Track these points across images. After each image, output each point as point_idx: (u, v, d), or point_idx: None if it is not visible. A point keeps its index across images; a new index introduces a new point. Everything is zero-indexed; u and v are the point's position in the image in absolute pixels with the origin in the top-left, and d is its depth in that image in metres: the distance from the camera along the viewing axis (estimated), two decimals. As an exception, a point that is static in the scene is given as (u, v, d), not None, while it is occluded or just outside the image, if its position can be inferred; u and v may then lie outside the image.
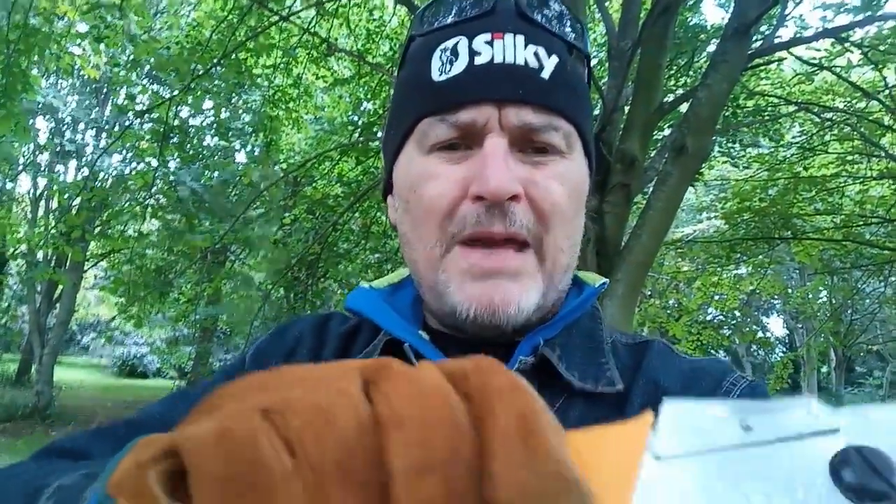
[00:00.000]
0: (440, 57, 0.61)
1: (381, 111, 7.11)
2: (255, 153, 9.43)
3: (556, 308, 0.66)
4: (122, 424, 0.65)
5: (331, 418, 0.23)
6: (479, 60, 0.59)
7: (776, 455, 0.25)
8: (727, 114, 6.78)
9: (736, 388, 0.61)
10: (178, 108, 6.89)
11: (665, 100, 4.33)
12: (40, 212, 13.97)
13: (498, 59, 0.59)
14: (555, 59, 0.61)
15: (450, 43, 0.61)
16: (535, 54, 0.60)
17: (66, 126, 12.78)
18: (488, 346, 0.60)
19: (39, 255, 12.60)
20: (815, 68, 6.75)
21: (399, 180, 0.66)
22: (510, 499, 0.22)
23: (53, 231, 7.83)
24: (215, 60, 6.05)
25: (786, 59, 6.67)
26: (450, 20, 0.62)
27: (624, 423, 0.28)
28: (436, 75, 0.61)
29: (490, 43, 0.59)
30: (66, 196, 10.04)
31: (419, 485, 0.22)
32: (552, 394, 0.60)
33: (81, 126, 12.96)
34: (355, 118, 8.84)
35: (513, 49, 0.59)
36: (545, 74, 0.60)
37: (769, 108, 7.41)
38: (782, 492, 0.25)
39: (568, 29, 0.65)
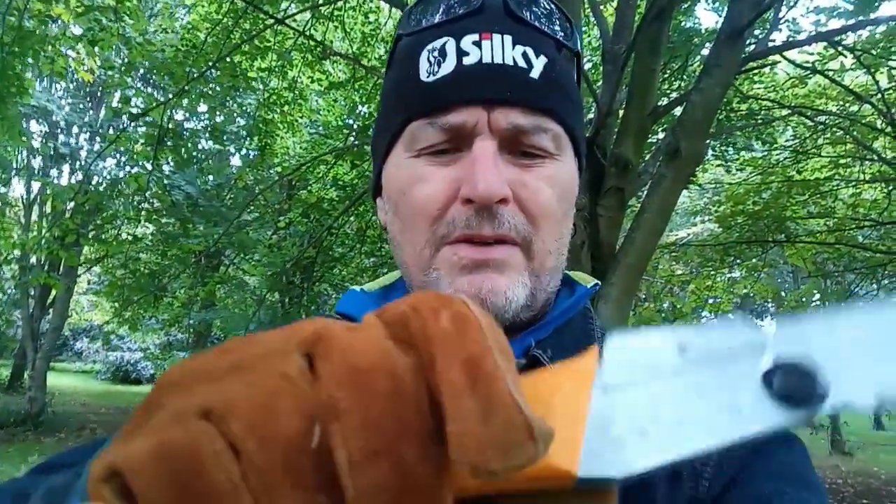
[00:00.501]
0: (428, 58, 0.60)
1: (375, 115, 7.11)
2: (250, 157, 9.41)
3: (546, 309, 0.66)
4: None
5: (273, 416, 0.22)
6: (467, 61, 0.59)
7: (711, 373, 0.27)
8: (721, 117, 6.81)
9: None
10: (173, 111, 6.87)
11: (659, 104, 4.34)
12: (34, 216, 13.92)
13: (486, 60, 0.58)
14: (543, 59, 0.60)
15: (437, 43, 0.60)
16: (524, 54, 0.59)
17: (59, 130, 12.73)
18: None
19: (33, 259, 12.53)
20: (808, 72, 6.80)
21: (388, 182, 0.66)
22: (470, 460, 0.21)
23: (48, 235, 7.79)
24: (210, 63, 6.04)
25: (779, 62, 6.72)
26: (437, 19, 0.62)
27: (572, 359, 0.29)
28: (424, 76, 0.60)
29: (478, 43, 0.59)
30: (60, 200, 9.99)
31: (366, 474, 0.21)
32: None
33: (75, 129, 12.92)
34: (350, 121, 8.84)
35: (501, 49, 0.59)
36: (534, 74, 0.59)
37: (762, 112, 7.45)
38: (720, 407, 0.26)
39: (557, 27, 0.64)
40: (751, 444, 0.53)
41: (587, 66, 7.27)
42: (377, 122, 0.70)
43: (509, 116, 0.58)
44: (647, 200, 3.63)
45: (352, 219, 7.57)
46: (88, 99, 12.80)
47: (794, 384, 0.26)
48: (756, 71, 6.88)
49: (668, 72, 6.95)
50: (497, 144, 0.58)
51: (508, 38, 0.59)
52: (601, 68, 5.20)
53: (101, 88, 11.49)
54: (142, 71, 8.22)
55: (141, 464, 0.21)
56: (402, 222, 0.62)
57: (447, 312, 0.24)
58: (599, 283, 0.72)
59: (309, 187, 8.57)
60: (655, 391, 0.27)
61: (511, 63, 0.59)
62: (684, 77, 6.99)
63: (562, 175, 0.62)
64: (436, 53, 0.60)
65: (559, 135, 0.61)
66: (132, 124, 6.94)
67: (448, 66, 0.59)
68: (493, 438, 0.21)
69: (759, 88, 7.79)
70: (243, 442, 0.22)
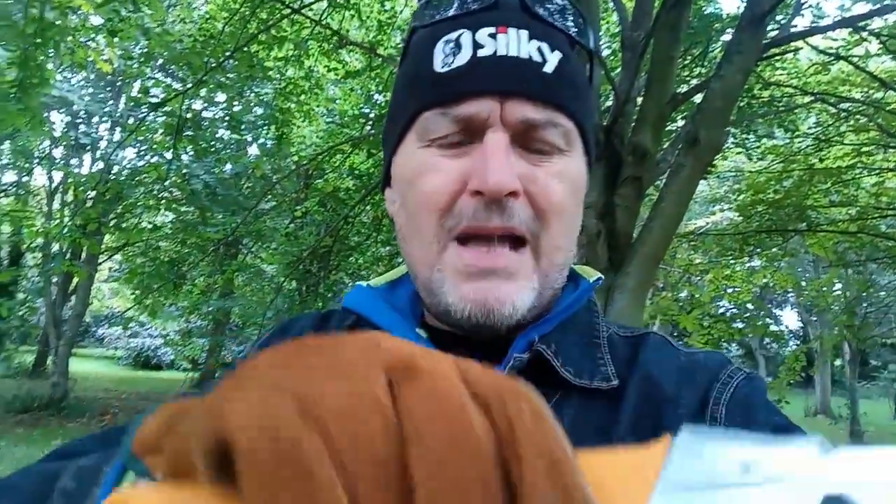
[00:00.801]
0: (443, 49, 0.61)
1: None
2: (267, 146, 9.45)
3: (550, 304, 0.65)
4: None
5: (363, 423, 0.23)
6: (482, 53, 0.59)
7: (771, 496, 0.26)
8: (742, 104, 6.71)
9: (733, 380, 0.61)
10: (191, 101, 6.91)
11: (678, 91, 4.29)
12: (56, 205, 14.12)
13: (501, 52, 0.59)
14: (558, 55, 0.61)
15: (453, 35, 0.60)
16: (539, 49, 0.60)
17: (80, 120, 12.87)
18: (484, 344, 0.61)
19: (55, 247, 12.73)
20: (832, 58, 6.67)
21: (397, 173, 0.66)
22: None
23: (70, 224, 7.90)
24: (227, 53, 6.06)
25: (802, 48, 6.59)
26: (452, 12, 0.62)
27: (637, 448, 0.30)
28: (438, 67, 0.60)
29: (494, 36, 0.59)
30: (81, 189, 10.10)
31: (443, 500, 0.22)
32: (547, 390, 0.59)
33: (96, 119, 13.06)
34: (366, 110, 8.84)
35: (517, 43, 0.59)
36: (548, 69, 0.59)
37: (784, 99, 7.33)
38: None
39: (571, 24, 0.65)
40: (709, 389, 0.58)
41: (605, 52, 7.19)
42: (389, 114, 0.70)
43: (522, 110, 0.58)
44: (665, 190, 3.60)
45: (368, 208, 7.58)
46: (109, 89, 12.91)
47: None
48: (778, 57, 6.75)
49: (689, 58, 6.86)
50: (510, 135, 0.58)
51: (524, 33, 0.60)
52: (619, 55, 5.14)
53: (120, 79, 11.58)
54: (160, 61, 8.27)
55: (251, 437, 0.22)
56: (409, 213, 0.63)
57: (528, 407, 0.25)
58: (602, 276, 0.73)
59: (325, 177, 8.60)
60: (711, 497, 0.27)
61: (526, 57, 0.59)
62: (704, 64, 6.89)
63: (571, 171, 0.62)
64: (451, 45, 0.60)
65: (570, 130, 0.61)
66: (151, 114, 7.00)
67: (463, 57, 0.59)
68: None
69: (781, 75, 7.66)
70: (338, 443, 0.23)
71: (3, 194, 14.26)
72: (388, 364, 0.25)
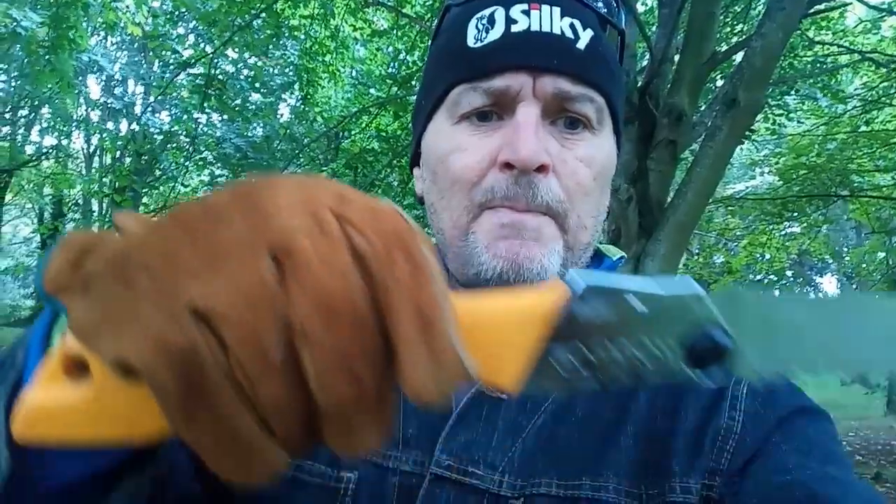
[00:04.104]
0: (476, 25, 0.62)
1: (419, 63, 7.00)
2: (298, 106, 9.45)
3: None
4: None
5: (254, 325, 0.26)
6: (515, 28, 0.60)
7: (649, 329, 0.32)
8: (784, 64, 6.43)
9: None
10: (218, 61, 6.91)
11: (717, 50, 4.11)
12: (94, 167, 14.41)
13: (535, 28, 0.60)
14: (590, 32, 0.61)
15: (486, 11, 0.61)
16: (571, 26, 0.60)
17: (115, 83, 13.02)
18: None
19: (95, 206, 13.04)
20: (884, 14, 6.32)
21: (428, 150, 0.67)
22: (413, 393, 0.27)
23: (107, 179, 8.08)
24: (254, 13, 6.02)
25: (850, 4, 6.25)
26: None
27: (527, 291, 0.33)
28: (471, 42, 0.61)
29: (527, 12, 0.60)
30: (112, 148, 10.26)
31: (330, 386, 0.26)
32: None
33: (131, 83, 13.20)
34: (393, 71, 8.72)
35: (549, 19, 0.60)
36: (581, 45, 0.60)
37: (829, 59, 7.00)
38: (647, 356, 0.32)
39: (602, 4, 0.66)
40: (774, 418, 0.52)
41: (641, 9, 6.93)
42: (419, 91, 0.72)
43: (555, 83, 0.59)
44: (701, 153, 3.48)
45: (394, 173, 7.55)
46: (142, 53, 13.00)
47: (705, 350, 0.32)
48: (823, 15, 6.42)
49: (730, 15, 6.56)
50: (541, 112, 0.59)
51: (557, 10, 0.61)
52: (656, 12, 4.95)
53: (149, 40, 11.67)
54: (192, 24, 8.27)
55: (151, 360, 0.25)
56: (439, 189, 0.64)
57: (402, 256, 0.27)
58: (625, 255, 0.73)
59: (352, 138, 8.58)
60: (606, 335, 0.32)
61: (559, 33, 0.60)
62: (746, 21, 6.59)
63: (601, 152, 0.63)
64: (484, 21, 0.61)
65: (602, 107, 0.62)
66: (182, 74, 7.01)
67: (496, 32, 0.60)
68: (433, 380, 0.27)
69: (826, 35, 7.30)
70: (233, 345, 0.26)
71: (44, 157, 14.60)
72: (270, 245, 0.27)
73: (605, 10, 0.66)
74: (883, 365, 0.36)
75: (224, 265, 0.26)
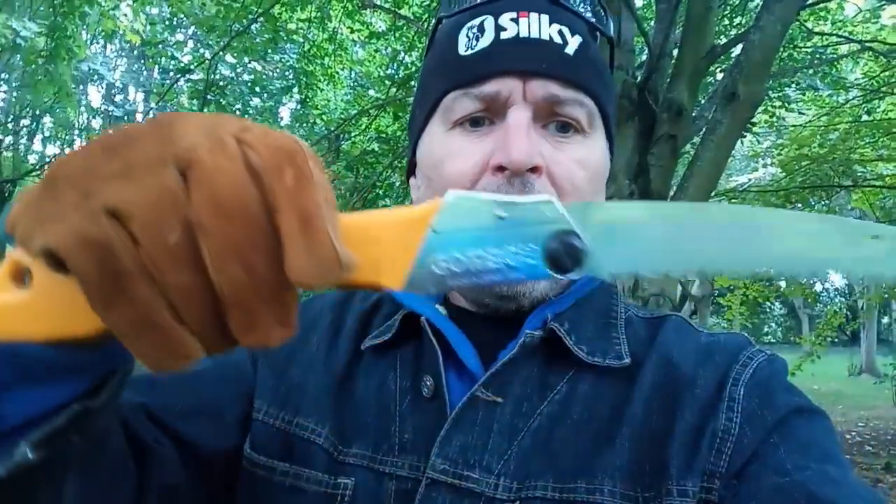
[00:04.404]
0: (467, 34, 0.64)
1: (418, 63, 6.99)
2: (292, 109, 9.44)
3: (569, 284, 0.67)
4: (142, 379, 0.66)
5: (160, 221, 0.30)
6: (504, 35, 0.62)
7: (513, 233, 0.37)
8: (783, 56, 6.40)
9: (753, 361, 0.61)
10: (218, 66, 6.91)
11: (716, 43, 4.10)
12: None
13: (524, 34, 0.61)
14: (578, 38, 0.63)
15: (477, 21, 0.63)
16: (560, 32, 0.62)
17: (115, 91, 13.04)
18: (501, 320, 0.65)
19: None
20: (884, 3, 6.29)
21: (423, 157, 0.68)
22: (296, 279, 0.31)
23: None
24: (252, 18, 6.02)
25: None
26: (477, 1, 0.65)
27: (410, 208, 0.38)
28: (462, 50, 0.63)
29: (516, 20, 0.62)
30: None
31: (226, 272, 0.31)
32: (560, 367, 0.62)
33: (131, 90, 13.22)
34: (392, 72, 8.72)
35: (538, 25, 0.62)
36: (569, 50, 0.62)
37: (829, 50, 6.96)
38: (510, 255, 0.37)
39: (590, 14, 0.68)
40: (772, 419, 0.52)
41: (638, 3, 6.91)
42: (414, 101, 0.73)
43: (545, 87, 0.60)
44: (702, 147, 3.46)
45: (395, 174, 7.54)
46: (142, 60, 13.03)
47: (561, 252, 0.37)
48: (822, 5, 6.39)
49: (728, 8, 6.55)
50: (532, 115, 0.61)
51: (545, 17, 0.62)
52: (654, 7, 4.94)
53: (147, 47, 11.70)
54: (191, 30, 8.28)
55: (72, 248, 0.30)
56: (434, 195, 0.63)
57: (291, 170, 0.32)
58: None
59: (352, 139, 8.58)
60: (472, 238, 0.37)
61: (547, 38, 0.62)
62: (744, 14, 6.57)
63: (594, 154, 0.64)
64: (475, 30, 0.63)
65: (593, 111, 0.64)
66: (179, 79, 7.02)
67: (486, 40, 0.62)
68: (312, 267, 0.31)
69: (825, 26, 7.26)
70: (141, 237, 0.30)
71: (47, 166, 14.63)
72: (176, 158, 0.31)
73: (594, 19, 0.67)
74: (721, 263, 0.39)
75: (136, 174, 0.31)
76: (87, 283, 0.30)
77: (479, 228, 0.37)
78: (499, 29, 0.62)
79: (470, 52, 0.62)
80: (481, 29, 0.63)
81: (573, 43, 0.62)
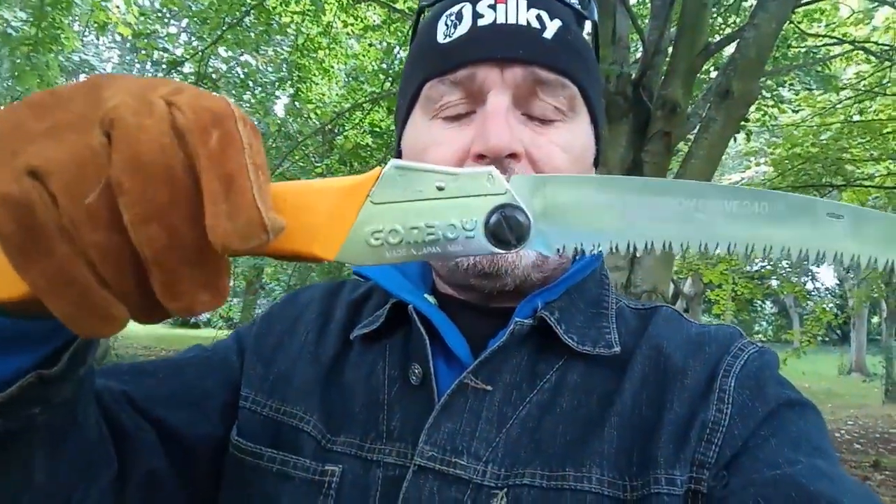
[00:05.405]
0: (445, 22, 0.64)
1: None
2: (293, 104, 9.40)
3: (558, 273, 0.67)
4: (127, 368, 0.67)
5: (81, 180, 0.30)
6: (482, 22, 0.61)
7: (455, 206, 0.37)
8: (777, 55, 6.42)
9: (744, 353, 0.61)
10: (209, 59, 6.86)
11: (710, 41, 4.10)
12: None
13: (500, 20, 0.61)
14: (558, 22, 0.63)
15: (455, 8, 0.64)
16: (538, 17, 0.62)
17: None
18: (492, 310, 0.65)
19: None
20: (877, 3, 6.31)
21: (406, 147, 0.68)
22: (218, 242, 0.31)
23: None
24: (245, 10, 5.98)
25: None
26: None
27: (349, 178, 0.38)
28: (440, 38, 0.63)
29: (493, 7, 0.62)
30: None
31: (143, 231, 0.31)
32: (550, 356, 0.62)
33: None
34: (386, 66, 8.69)
35: (515, 11, 0.61)
36: (547, 35, 0.61)
37: (822, 50, 6.98)
38: (449, 228, 0.37)
39: None
40: (762, 411, 0.51)
41: (633, 0, 6.91)
42: (399, 91, 0.73)
43: (522, 72, 0.60)
44: (696, 145, 3.47)
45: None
46: (134, 52, 12.93)
47: (503, 226, 0.37)
48: (816, 6, 6.41)
49: (722, 7, 6.55)
50: (511, 100, 0.60)
51: (523, 2, 0.62)
52: (648, 4, 4.93)
53: (138, 39, 11.63)
54: (184, 22, 8.22)
55: None
56: None
57: (217, 133, 0.32)
58: None
59: (345, 133, 8.56)
60: (410, 210, 0.37)
61: (525, 24, 0.61)
62: (739, 12, 6.57)
63: (577, 139, 0.63)
64: (453, 17, 0.63)
65: (574, 95, 0.63)
66: (171, 71, 6.97)
67: (463, 27, 0.62)
68: (233, 230, 0.31)
69: (819, 27, 7.28)
70: (60, 197, 0.30)
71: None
72: (101, 120, 0.31)
73: (576, 1, 0.67)
74: (668, 238, 0.40)
75: (60, 134, 0.31)
76: (7, 242, 0.30)
77: (418, 200, 0.37)
78: (476, 16, 0.62)
79: (448, 39, 0.62)
80: (459, 16, 0.63)
81: (552, 27, 0.62)
